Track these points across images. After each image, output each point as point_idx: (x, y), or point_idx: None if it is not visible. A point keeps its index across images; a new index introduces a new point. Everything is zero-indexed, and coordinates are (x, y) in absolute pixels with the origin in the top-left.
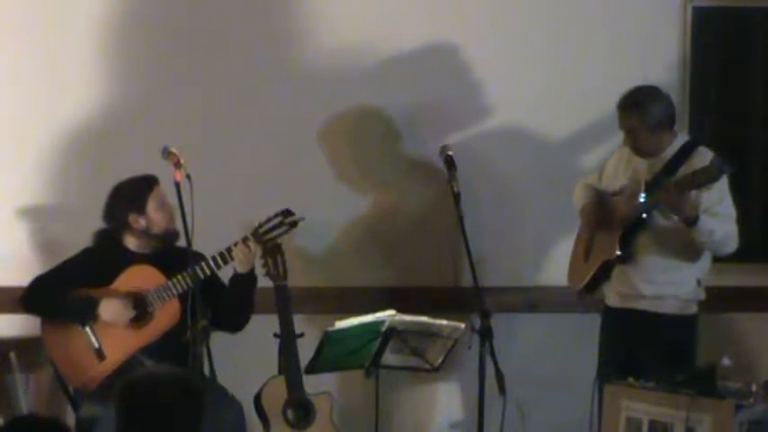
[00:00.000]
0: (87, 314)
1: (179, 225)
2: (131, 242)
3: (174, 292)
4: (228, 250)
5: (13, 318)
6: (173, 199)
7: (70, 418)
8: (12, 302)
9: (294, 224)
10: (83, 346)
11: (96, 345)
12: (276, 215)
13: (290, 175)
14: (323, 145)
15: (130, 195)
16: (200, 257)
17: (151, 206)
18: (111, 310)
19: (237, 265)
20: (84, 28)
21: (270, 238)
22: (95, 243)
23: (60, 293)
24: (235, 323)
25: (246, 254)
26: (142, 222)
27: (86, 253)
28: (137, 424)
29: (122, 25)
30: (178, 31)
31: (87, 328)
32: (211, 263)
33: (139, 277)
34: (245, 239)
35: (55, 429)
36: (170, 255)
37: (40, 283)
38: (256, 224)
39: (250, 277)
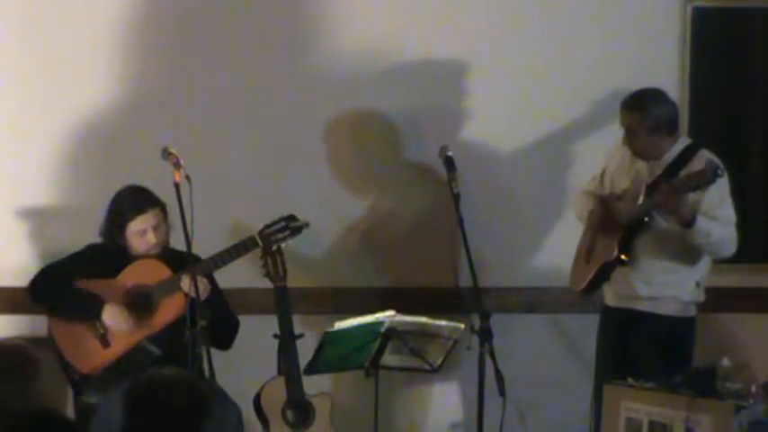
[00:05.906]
0: (90, 316)
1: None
2: (126, 247)
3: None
4: (235, 247)
5: (12, 318)
6: (172, 200)
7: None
8: (11, 303)
9: (298, 230)
10: (88, 331)
11: (101, 330)
12: (281, 219)
13: (290, 176)
14: (323, 146)
15: (115, 213)
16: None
17: (130, 231)
18: (113, 316)
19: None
20: (85, 29)
21: (273, 241)
22: (102, 238)
23: (66, 288)
24: (219, 343)
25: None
26: (122, 240)
27: (92, 247)
28: (141, 425)
29: (125, 26)
30: (181, 33)
31: None
32: (211, 263)
33: (145, 270)
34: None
35: (55, 421)
36: (170, 256)
37: (46, 274)
38: (261, 227)
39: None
